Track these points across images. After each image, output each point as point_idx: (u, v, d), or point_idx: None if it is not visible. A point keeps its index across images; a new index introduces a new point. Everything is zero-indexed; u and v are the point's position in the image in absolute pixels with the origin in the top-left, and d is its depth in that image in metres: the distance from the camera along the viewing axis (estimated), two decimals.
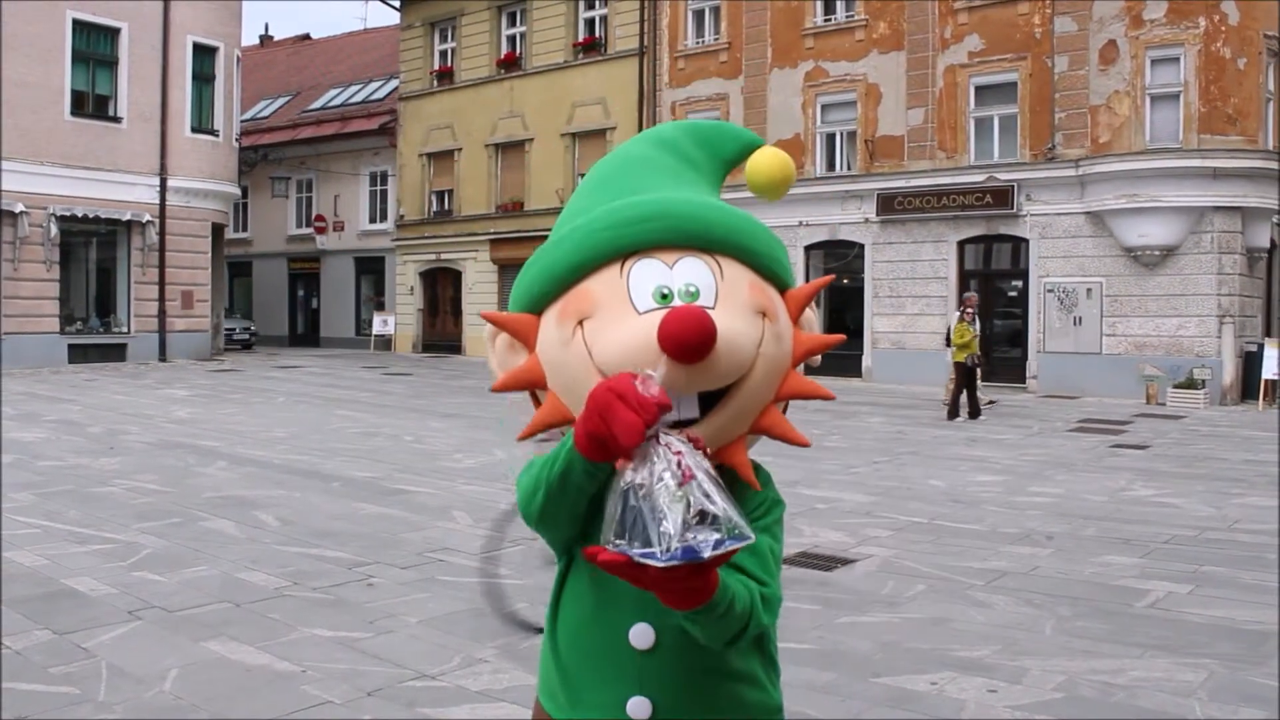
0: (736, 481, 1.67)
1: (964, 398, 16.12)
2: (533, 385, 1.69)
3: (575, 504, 1.59)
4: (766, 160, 1.80)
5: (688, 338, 1.47)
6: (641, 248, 1.64)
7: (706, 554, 1.37)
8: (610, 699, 1.68)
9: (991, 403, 16.48)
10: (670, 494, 1.39)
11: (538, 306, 1.70)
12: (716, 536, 1.38)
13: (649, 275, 1.62)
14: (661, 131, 1.88)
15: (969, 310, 16.64)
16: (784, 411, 1.75)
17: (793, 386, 1.70)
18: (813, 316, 1.80)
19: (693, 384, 1.56)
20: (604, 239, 1.65)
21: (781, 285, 1.75)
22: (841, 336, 1.93)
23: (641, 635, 1.66)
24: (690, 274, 1.63)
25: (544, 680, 1.80)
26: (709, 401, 1.60)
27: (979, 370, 16.31)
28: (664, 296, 1.59)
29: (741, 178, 1.84)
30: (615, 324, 1.59)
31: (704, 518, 1.38)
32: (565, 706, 1.73)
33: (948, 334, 16.71)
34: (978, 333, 16.70)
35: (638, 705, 1.66)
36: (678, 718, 1.66)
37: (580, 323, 1.62)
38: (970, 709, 4.31)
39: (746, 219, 1.73)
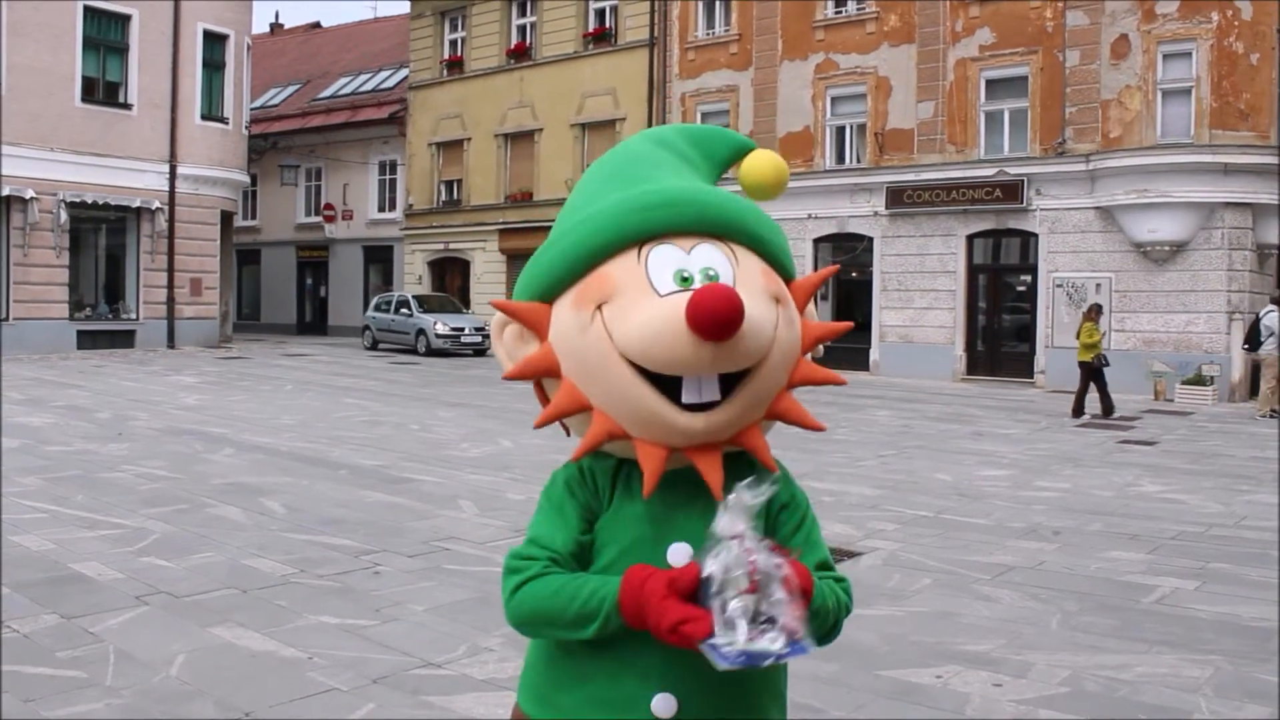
0: (752, 465, 1.69)
1: (1079, 397, 15.99)
2: (546, 373, 1.68)
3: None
4: (760, 162, 1.82)
5: (720, 314, 1.48)
6: (658, 233, 1.64)
7: (766, 664, 1.44)
8: (633, 701, 1.66)
9: (1099, 415, 16.00)
10: (741, 597, 1.45)
11: (549, 295, 1.69)
12: (779, 647, 1.44)
13: (667, 259, 1.62)
14: (658, 132, 1.89)
15: (1097, 310, 16.39)
16: None
17: (805, 373, 1.71)
18: (813, 310, 1.81)
19: (717, 364, 1.56)
20: (620, 224, 1.65)
21: (787, 275, 1.76)
22: (849, 324, 1.94)
23: (664, 705, 1.65)
24: (708, 258, 1.64)
25: None
26: (728, 387, 1.60)
27: (1105, 370, 15.99)
28: (685, 279, 1.60)
29: (735, 182, 1.85)
30: (637, 306, 1.59)
31: (772, 622, 1.45)
32: None
33: (1077, 333, 16.45)
34: (1104, 332, 16.57)
35: (664, 703, 1.65)
36: (703, 714, 1.65)
37: (599, 307, 1.61)
38: (975, 702, 4.31)
39: (756, 209, 1.74)
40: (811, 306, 1.80)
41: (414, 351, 27.29)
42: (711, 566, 1.47)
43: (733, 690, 1.63)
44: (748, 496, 1.52)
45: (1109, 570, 6.59)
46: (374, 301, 30.42)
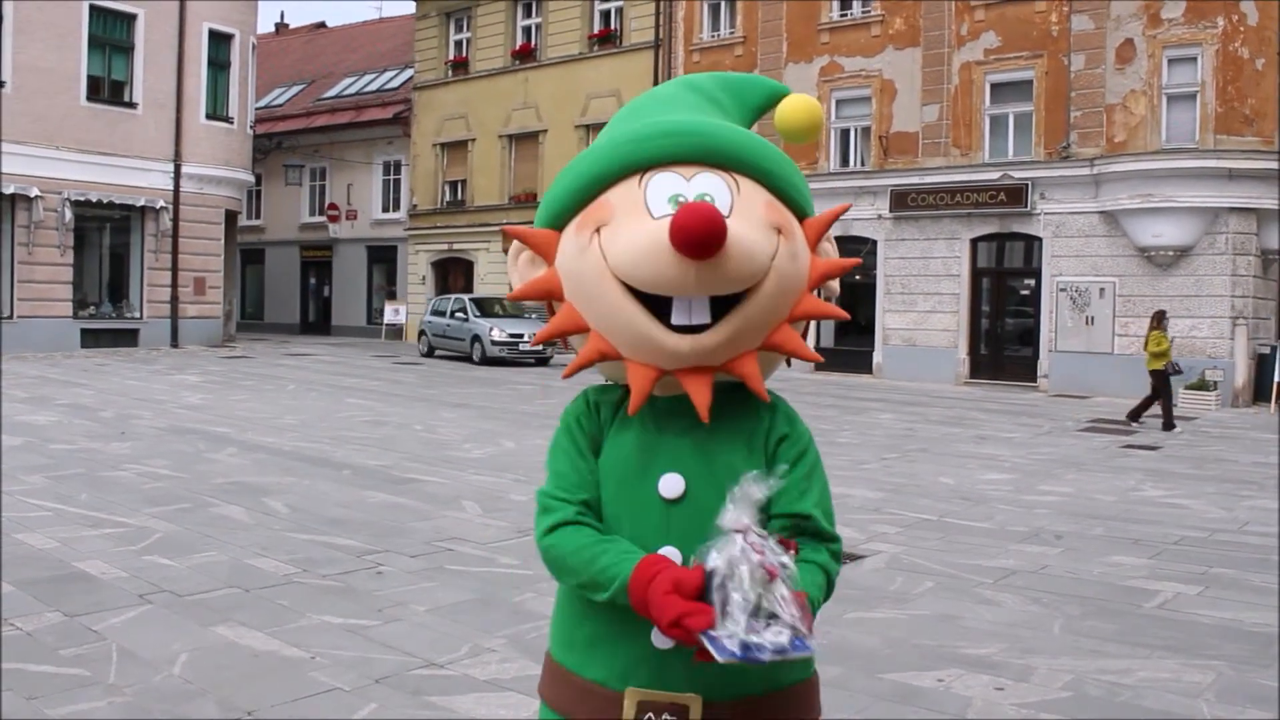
0: (760, 405, 1.72)
1: (1166, 409, 15.32)
2: (549, 295, 1.73)
3: None
4: (794, 105, 1.85)
5: (696, 230, 1.50)
6: (660, 161, 1.68)
7: (765, 658, 1.44)
8: (634, 632, 1.69)
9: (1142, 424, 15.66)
10: (743, 592, 1.45)
11: (558, 222, 1.74)
12: (779, 642, 1.44)
13: (666, 185, 1.66)
14: (691, 77, 1.94)
15: (1161, 317, 15.86)
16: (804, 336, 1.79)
17: (807, 307, 1.72)
18: (831, 249, 1.82)
19: (702, 284, 1.58)
20: (623, 152, 1.70)
21: (800, 211, 1.77)
22: (856, 260, 1.96)
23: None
24: (706, 185, 1.66)
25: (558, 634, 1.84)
26: (720, 312, 1.62)
27: (1172, 379, 15.41)
28: (679, 203, 1.62)
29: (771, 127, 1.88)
30: (629, 228, 1.63)
31: (774, 618, 1.45)
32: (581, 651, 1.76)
33: (1145, 342, 15.78)
34: (1173, 340, 16.24)
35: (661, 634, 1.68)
36: None
37: (598, 230, 1.66)
38: (977, 706, 4.31)
39: (766, 144, 1.76)
40: (828, 245, 1.81)
41: (469, 360, 24.88)
42: (715, 560, 1.48)
43: None
44: (754, 489, 1.53)
45: (1111, 575, 6.59)
46: (430, 304, 28.08)
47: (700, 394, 1.64)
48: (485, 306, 25.81)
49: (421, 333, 27.48)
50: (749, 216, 1.64)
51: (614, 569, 1.59)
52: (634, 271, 1.59)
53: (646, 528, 1.69)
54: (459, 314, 25.85)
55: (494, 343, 24.29)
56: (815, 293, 1.74)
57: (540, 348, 23.49)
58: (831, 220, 1.80)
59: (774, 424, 1.75)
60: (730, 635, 1.43)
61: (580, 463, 1.76)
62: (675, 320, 1.60)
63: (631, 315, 1.62)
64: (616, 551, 1.62)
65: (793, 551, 1.53)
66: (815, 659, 1.79)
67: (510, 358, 24.22)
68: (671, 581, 1.50)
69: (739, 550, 1.46)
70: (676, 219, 1.51)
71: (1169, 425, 15.11)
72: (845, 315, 1.88)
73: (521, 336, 24.12)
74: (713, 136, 1.70)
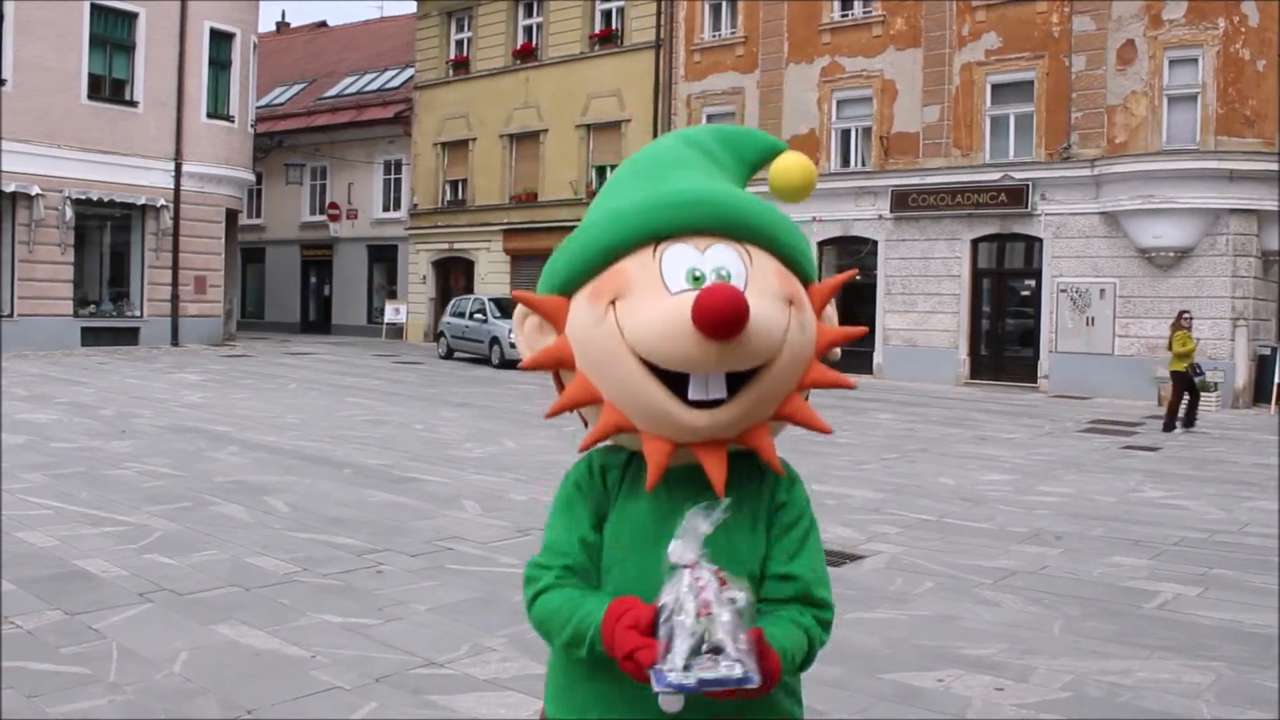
0: (766, 472, 1.73)
1: (1171, 409, 15.49)
2: (560, 365, 1.72)
3: None
4: (789, 165, 1.84)
5: (723, 313, 1.50)
6: (674, 232, 1.67)
7: (708, 692, 1.44)
8: (638, 698, 1.66)
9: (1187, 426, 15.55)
10: (685, 626, 1.45)
11: (568, 289, 1.72)
12: (720, 675, 1.44)
13: (681, 258, 1.65)
14: (689, 132, 1.92)
15: (1187, 318, 15.83)
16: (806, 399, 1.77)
17: (815, 376, 1.72)
18: (832, 313, 1.82)
19: (722, 363, 1.58)
20: (638, 222, 1.68)
21: (804, 278, 1.77)
22: (863, 329, 1.95)
23: (670, 700, 1.65)
24: (721, 258, 1.65)
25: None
26: (735, 385, 1.62)
27: (1197, 380, 15.39)
28: (696, 278, 1.62)
29: (763, 181, 1.87)
30: (648, 303, 1.61)
31: (718, 651, 1.45)
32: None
33: (1168, 343, 15.73)
34: (1198, 340, 16.16)
35: (668, 700, 1.66)
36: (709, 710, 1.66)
37: (613, 302, 1.64)
38: (976, 706, 4.31)
39: (775, 211, 1.76)
40: (830, 309, 1.82)
41: (487, 363, 23.86)
42: (665, 597, 1.49)
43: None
44: (701, 523, 1.54)
45: (1111, 576, 6.59)
46: (450, 304, 26.97)
47: (716, 471, 1.65)
48: (506, 307, 24.38)
49: (440, 334, 26.51)
50: (764, 290, 1.64)
51: (589, 618, 1.61)
52: (655, 349, 1.59)
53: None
54: (478, 315, 24.77)
55: (513, 345, 22.12)
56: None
57: None
58: (836, 288, 1.81)
59: (775, 490, 1.77)
60: (671, 668, 1.44)
61: (574, 529, 1.75)
62: (692, 396, 1.60)
63: (650, 391, 1.61)
64: (590, 605, 1.63)
65: (736, 589, 1.52)
66: (801, 708, 1.80)
67: None
68: (633, 619, 1.52)
69: (685, 586, 1.48)
70: (700, 301, 1.51)
71: (1173, 426, 15.13)
72: (853, 384, 1.86)
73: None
74: (725, 206, 1.69)
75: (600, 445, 1.78)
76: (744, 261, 1.66)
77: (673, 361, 1.58)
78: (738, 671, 1.43)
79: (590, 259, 1.69)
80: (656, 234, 1.66)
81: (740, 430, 1.66)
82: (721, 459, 1.65)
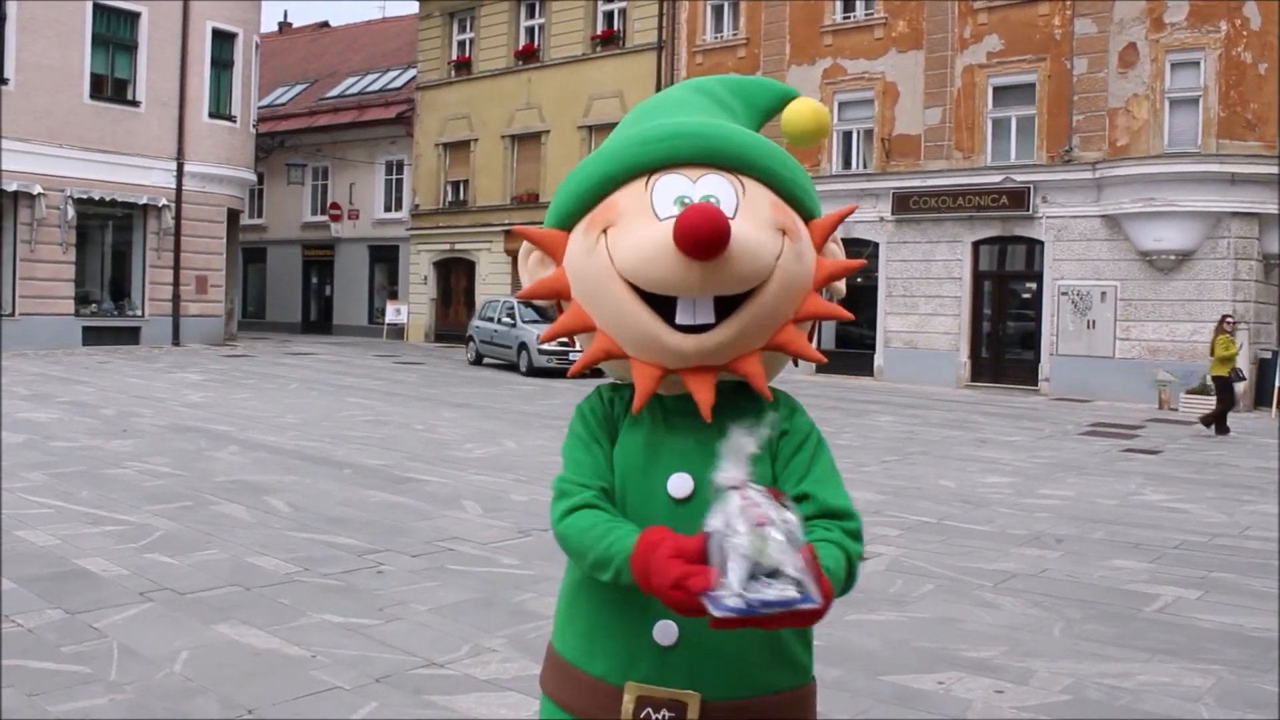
0: (766, 406, 1.72)
1: (1219, 413, 15.44)
2: (557, 294, 1.77)
3: None
4: (801, 109, 1.87)
5: (702, 231, 1.51)
6: (667, 163, 1.70)
7: (768, 613, 1.37)
8: (636, 627, 1.69)
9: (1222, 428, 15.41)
10: (738, 549, 1.39)
11: (567, 223, 1.78)
12: (784, 596, 1.37)
13: (672, 187, 1.68)
14: (699, 80, 1.96)
15: (1230, 322, 15.86)
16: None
17: (811, 307, 1.73)
18: (837, 249, 1.82)
19: (707, 285, 1.59)
20: (630, 154, 1.72)
21: (806, 213, 1.78)
22: (861, 262, 1.95)
23: (664, 632, 1.69)
24: (712, 186, 1.68)
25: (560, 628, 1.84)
26: (725, 312, 1.63)
27: (1236, 385, 15.36)
28: (685, 205, 1.63)
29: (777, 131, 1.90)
30: (635, 229, 1.64)
31: (775, 574, 1.38)
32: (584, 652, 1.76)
33: (1210, 347, 15.69)
34: (1241, 345, 16.13)
35: (663, 630, 1.68)
36: (704, 643, 1.67)
37: (604, 231, 1.68)
38: (977, 709, 4.31)
39: (772, 146, 1.78)
40: (834, 245, 1.82)
41: (515, 369, 22.68)
42: (713, 521, 1.44)
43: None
44: (744, 442, 1.51)
45: (1112, 579, 6.59)
46: (479, 307, 25.95)
47: (702, 393, 1.65)
48: (537, 309, 23.07)
49: (469, 338, 25.29)
50: (754, 217, 1.65)
51: (620, 543, 1.57)
52: (639, 272, 1.61)
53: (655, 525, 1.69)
54: (506, 319, 23.50)
55: (541, 351, 21.47)
56: (821, 293, 1.75)
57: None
58: (838, 221, 1.80)
59: (776, 422, 1.75)
60: (729, 592, 1.38)
61: (596, 450, 1.76)
62: (680, 320, 1.62)
63: (637, 315, 1.63)
64: (621, 531, 1.61)
65: (786, 501, 1.48)
66: (811, 657, 1.80)
67: (560, 368, 21.06)
68: (674, 548, 1.47)
69: (735, 507, 1.43)
70: (681, 220, 1.53)
71: (1225, 428, 15.16)
72: (849, 316, 1.88)
73: (572, 345, 21.90)
74: (718, 138, 1.72)
75: (609, 383, 1.82)
76: (736, 191, 1.68)
77: (657, 283, 1.60)
78: (797, 593, 1.37)
79: (586, 192, 1.74)
80: (649, 166, 1.70)
81: (729, 357, 1.66)
82: (709, 384, 1.65)
